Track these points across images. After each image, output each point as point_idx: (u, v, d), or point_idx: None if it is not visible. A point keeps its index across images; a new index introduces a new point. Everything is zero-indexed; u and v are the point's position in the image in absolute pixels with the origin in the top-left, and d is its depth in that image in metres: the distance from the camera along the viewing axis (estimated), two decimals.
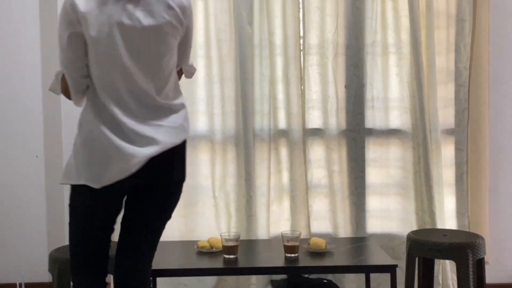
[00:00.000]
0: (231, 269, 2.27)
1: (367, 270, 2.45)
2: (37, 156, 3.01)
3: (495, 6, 3.02)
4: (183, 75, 1.99)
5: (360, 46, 3.03)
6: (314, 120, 3.06)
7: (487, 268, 2.62)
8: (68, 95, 1.79)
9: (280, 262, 2.26)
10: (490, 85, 3.04)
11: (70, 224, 1.85)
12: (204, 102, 3.03)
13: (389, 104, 3.05)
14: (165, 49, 1.76)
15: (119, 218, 1.90)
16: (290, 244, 2.27)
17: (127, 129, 1.70)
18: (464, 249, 2.26)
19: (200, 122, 3.04)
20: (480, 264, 2.43)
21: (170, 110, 1.80)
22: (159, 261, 2.28)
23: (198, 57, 3.01)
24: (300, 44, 3.04)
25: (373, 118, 3.06)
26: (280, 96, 3.03)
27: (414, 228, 2.98)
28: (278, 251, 2.35)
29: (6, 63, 2.99)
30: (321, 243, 2.37)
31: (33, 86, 2.99)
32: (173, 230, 3.01)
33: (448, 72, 3.08)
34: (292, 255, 2.26)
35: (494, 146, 3.05)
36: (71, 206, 1.84)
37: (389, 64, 3.04)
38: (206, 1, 2.99)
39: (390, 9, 3.01)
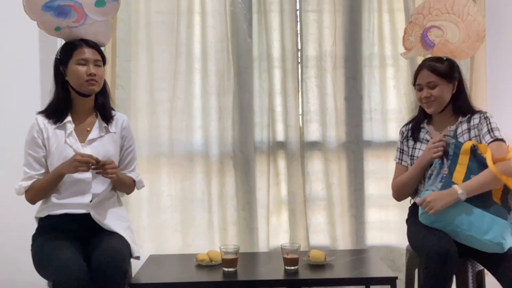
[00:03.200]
0: (231, 282, 2.25)
1: (367, 282, 2.43)
2: None
3: (491, 17, 3.04)
4: None
5: (357, 58, 3.04)
6: (313, 132, 3.06)
7: (487, 277, 2.60)
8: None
9: (279, 275, 2.24)
10: (488, 96, 3.05)
11: None
12: (200, 114, 3.03)
13: (387, 116, 3.07)
14: None
15: None
16: (289, 256, 2.25)
17: None
18: (463, 261, 2.25)
19: (196, 135, 3.04)
20: (480, 276, 2.41)
21: None
22: (157, 275, 2.27)
23: (195, 70, 3.02)
24: (298, 57, 3.06)
25: (371, 130, 3.07)
26: (279, 108, 3.04)
27: None
28: (278, 264, 2.33)
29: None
30: (320, 255, 2.36)
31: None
32: (171, 245, 3.00)
33: None
34: (292, 267, 2.25)
35: None
36: None
37: (387, 76, 3.06)
38: (203, 15, 3.01)
39: (387, 22, 3.04)
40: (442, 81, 2.26)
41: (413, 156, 2.36)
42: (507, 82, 3.08)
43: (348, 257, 2.52)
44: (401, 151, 2.43)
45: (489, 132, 2.19)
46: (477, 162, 2.15)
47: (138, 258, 2.25)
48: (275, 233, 3.06)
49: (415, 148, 2.36)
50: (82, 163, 2.04)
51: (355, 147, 3.05)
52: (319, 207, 3.05)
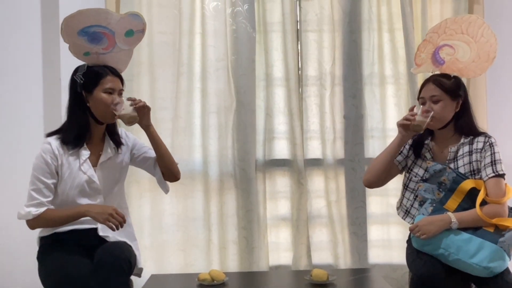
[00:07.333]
0: None
1: None
2: None
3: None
4: None
5: (357, 77, 3.07)
6: (313, 150, 3.07)
7: None
8: None
9: None
10: (488, 111, 3.06)
11: None
12: (201, 133, 3.05)
13: (387, 133, 3.08)
14: None
15: None
16: None
17: None
18: (467, 281, 2.24)
19: (198, 153, 3.05)
20: None
21: None
22: None
23: (195, 89, 3.04)
24: (298, 76, 3.08)
25: (373, 148, 3.07)
26: (279, 127, 3.06)
27: None
28: (280, 283, 2.32)
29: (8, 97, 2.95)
30: (323, 275, 2.34)
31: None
32: (173, 264, 3.00)
33: None
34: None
35: None
36: None
37: (387, 95, 3.08)
38: (204, 35, 3.03)
39: (387, 41, 3.07)
40: (446, 97, 2.20)
41: (411, 170, 2.32)
42: (507, 96, 3.11)
43: (351, 276, 2.51)
44: (399, 152, 2.35)
45: (492, 165, 2.14)
46: (471, 202, 2.13)
47: (141, 269, 2.23)
48: (276, 252, 3.06)
49: (415, 163, 2.32)
50: (115, 219, 2.01)
51: (356, 164, 3.06)
52: (320, 225, 3.05)
